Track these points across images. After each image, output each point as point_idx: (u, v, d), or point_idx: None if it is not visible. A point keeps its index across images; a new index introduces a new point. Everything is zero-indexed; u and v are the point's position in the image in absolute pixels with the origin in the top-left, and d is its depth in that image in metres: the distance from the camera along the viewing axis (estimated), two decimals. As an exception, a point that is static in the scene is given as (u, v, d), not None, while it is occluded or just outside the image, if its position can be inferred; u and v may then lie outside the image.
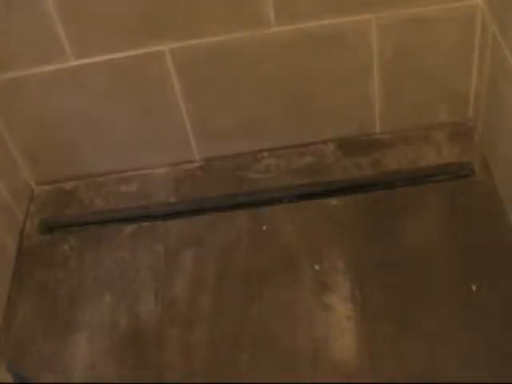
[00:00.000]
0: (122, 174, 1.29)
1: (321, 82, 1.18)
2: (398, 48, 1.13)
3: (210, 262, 1.14)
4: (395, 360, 0.96)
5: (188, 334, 1.05)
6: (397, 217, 1.14)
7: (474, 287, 1.02)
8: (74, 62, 1.11)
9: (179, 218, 1.22)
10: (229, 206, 1.22)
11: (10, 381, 0.69)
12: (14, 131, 1.22)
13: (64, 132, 1.22)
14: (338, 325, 1.02)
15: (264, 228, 1.17)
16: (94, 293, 1.13)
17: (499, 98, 1.05)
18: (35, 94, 1.16)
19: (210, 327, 1.05)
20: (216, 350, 1.02)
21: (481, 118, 1.18)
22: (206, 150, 1.27)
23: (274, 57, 1.13)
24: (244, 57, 1.13)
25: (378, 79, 1.17)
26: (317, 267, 1.09)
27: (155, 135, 1.24)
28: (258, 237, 1.16)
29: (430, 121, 1.24)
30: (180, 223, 1.21)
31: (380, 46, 1.12)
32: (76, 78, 1.13)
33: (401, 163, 1.22)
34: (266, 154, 1.27)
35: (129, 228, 1.22)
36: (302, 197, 1.20)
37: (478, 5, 1.07)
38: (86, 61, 1.11)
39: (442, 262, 1.06)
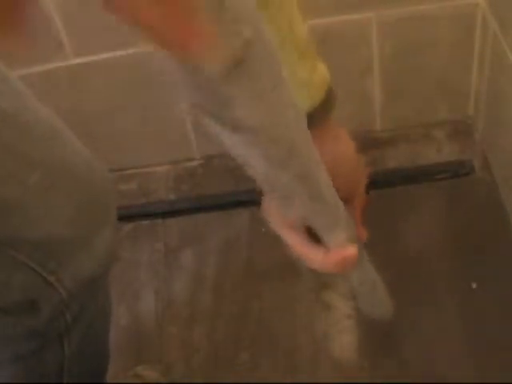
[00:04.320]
0: (122, 171, 1.29)
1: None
2: (398, 46, 1.12)
3: (209, 260, 1.14)
4: (395, 359, 0.96)
5: (188, 333, 1.05)
6: (396, 215, 1.14)
7: (474, 285, 1.02)
8: (73, 61, 1.11)
9: (179, 216, 1.22)
10: (229, 204, 1.21)
11: None
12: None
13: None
14: (338, 323, 1.02)
15: (264, 226, 1.17)
16: (94, 291, 1.13)
17: (499, 95, 1.05)
18: (34, 93, 1.16)
19: (210, 326, 1.05)
20: (216, 349, 1.03)
21: (481, 115, 1.17)
22: (206, 147, 1.27)
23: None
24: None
25: (378, 77, 1.16)
26: (317, 266, 1.09)
27: (155, 133, 1.24)
28: (259, 235, 1.16)
29: (430, 119, 1.23)
30: (180, 221, 1.21)
31: (380, 43, 1.12)
32: (76, 76, 1.13)
33: (401, 161, 1.21)
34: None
35: (128, 226, 1.22)
36: (302, 195, 1.20)
37: (478, 3, 1.07)
38: (85, 59, 1.11)
39: (441, 261, 1.06)
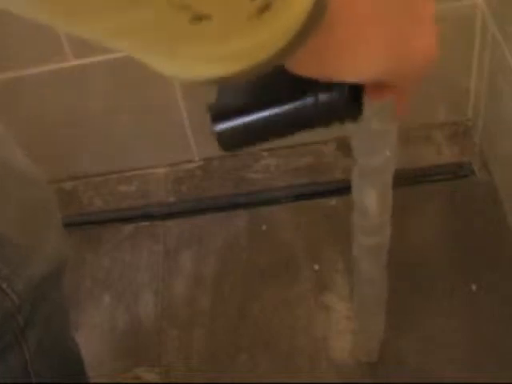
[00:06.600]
0: (122, 173, 1.29)
1: (320, 82, 1.17)
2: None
3: (209, 262, 1.14)
4: (395, 360, 0.96)
5: (187, 334, 1.05)
6: (396, 217, 1.13)
7: (473, 287, 1.02)
8: (73, 62, 1.11)
9: (178, 218, 1.22)
10: (228, 205, 1.22)
11: None
12: (12, 131, 1.21)
13: (63, 132, 1.22)
14: (338, 325, 1.02)
15: (263, 228, 1.17)
16: (94, 293, 1.13)
17: (499, 97, 1.05)
18: (34, 94, 1.16)
19: (209, 327, 1.05)
20: (215, 350, 1.02)
21: (480, 117, 1.17)
22: (206, 149, 1.27)
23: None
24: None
25: (377, 79, 1.16)
26: (316, 267, 1.09)
27: (155, 135, 1.24)
28: (258, 237, 1.16)
29: (429, 121, 1.23)
30: (179, 223, 1.21)
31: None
32: (75, 77, 1.13)
33: (400, 163, 1.20)
34: (265, 153, 1.27)
35: (128, 228, 1.22)
36: (301, 197, 1.20)
37: (477, 4, 1.07)
38: (84, 60, 1.11)
39: (441, 262, 1.06)
